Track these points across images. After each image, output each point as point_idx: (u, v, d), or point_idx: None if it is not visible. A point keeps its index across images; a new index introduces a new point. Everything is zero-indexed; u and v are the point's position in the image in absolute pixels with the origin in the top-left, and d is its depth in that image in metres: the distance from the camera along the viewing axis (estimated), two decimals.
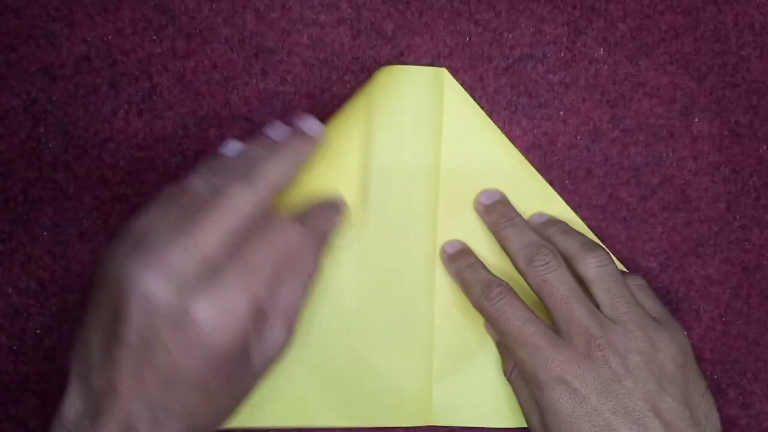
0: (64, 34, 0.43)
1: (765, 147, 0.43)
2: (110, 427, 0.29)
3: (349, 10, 0.43)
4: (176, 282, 0.29)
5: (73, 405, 0.31)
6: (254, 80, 0.43)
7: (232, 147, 0.35)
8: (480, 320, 0.43)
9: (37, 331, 0.43)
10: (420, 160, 0.42)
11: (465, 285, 0.40)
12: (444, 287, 0.43)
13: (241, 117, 0.43)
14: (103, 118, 0.43)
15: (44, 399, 0.43)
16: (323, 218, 0.36)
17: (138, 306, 0.29)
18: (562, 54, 0.43)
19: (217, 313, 0.29)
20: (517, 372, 0.39)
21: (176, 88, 0.43)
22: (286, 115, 0.43)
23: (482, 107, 0.43)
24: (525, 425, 0.43)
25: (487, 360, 0.43)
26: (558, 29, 0.43)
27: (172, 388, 0.30)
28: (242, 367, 0.32)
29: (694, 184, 0.43)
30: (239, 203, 0.31)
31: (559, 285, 0.37)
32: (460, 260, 0.41)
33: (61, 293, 0.43)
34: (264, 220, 0.32)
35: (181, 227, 0.30)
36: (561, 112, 0.43)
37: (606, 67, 0.43)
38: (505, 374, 0.41)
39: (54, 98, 0.43)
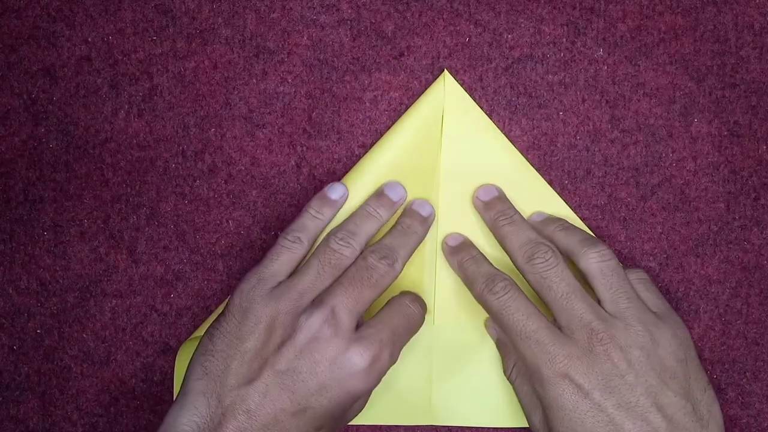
0: (65, 34, 0.43)
1: (764, 147, 0.44)
2: None
3: (349, 11, 0.43)
4: (340, 328, 0.36)
5: (193, 419, 0.34)
6: (254, 80, 0.43)
7: (338, 190, 0.40)
8: (479, 321, 0.43)
9: (38, 331, 0.43)
10: (420, 160, 0.42)
11: (467, 278, 0.40)
12: (444, 288, 0.43)
13: (241, 117, 0.43)
14: (104, 119, 0.43)
15: (44, 399, 0.43)
16: (425, 306, 0.41)
17: (302, 341, 0.35)
18: (562, 54, 0.43)
19: (368, 360, 0.36)
20: (518, 369, 0.39)
21: (177, 88, 0.43)
22: (287, 115, 0.43)
23: (482, 107, 0.43)
24: (525, 425, 0.42)
25: (486, 360, 0.43)
26: (557, 30, 0.43)
27: (296, 417, 0.35)
28: (354, 411, 0.38)
29: (694, 185, 0.43)
30: (385, 281, 0.38)
31: (559, 281, 0.37)
32: (462, 253, 0.41)
33: (61, 293, 0.43)
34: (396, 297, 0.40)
35: (343, 289, 0.37)
36: (560, 113, 0.43)
37: (605, 67, 0.43)
38: (505, 373, 0.41)
39: (55, 98, 0.43)
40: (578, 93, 0.43)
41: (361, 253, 0.38)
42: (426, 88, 0.43)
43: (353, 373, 0.35)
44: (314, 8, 0.43)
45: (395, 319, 0.38)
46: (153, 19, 0.43)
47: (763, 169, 0.43)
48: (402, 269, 0.39)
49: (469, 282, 0.40)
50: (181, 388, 0.36)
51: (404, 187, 0.41)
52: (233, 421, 0.34)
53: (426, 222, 0.41)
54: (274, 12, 0.43)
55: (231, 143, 0.43)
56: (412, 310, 0.39)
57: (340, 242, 0.38)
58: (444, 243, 0.42)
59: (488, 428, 0.43)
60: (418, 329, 0.39)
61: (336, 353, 0.35)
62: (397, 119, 0.43)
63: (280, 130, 0.43)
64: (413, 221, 0.40)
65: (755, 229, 0.43)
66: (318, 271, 0.37)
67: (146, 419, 0.43)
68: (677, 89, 0.43)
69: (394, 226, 0.40)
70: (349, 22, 0.43)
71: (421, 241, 0.41)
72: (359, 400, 0.38)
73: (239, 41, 0.43)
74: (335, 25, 0.43)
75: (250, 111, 0.43)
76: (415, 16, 0.43)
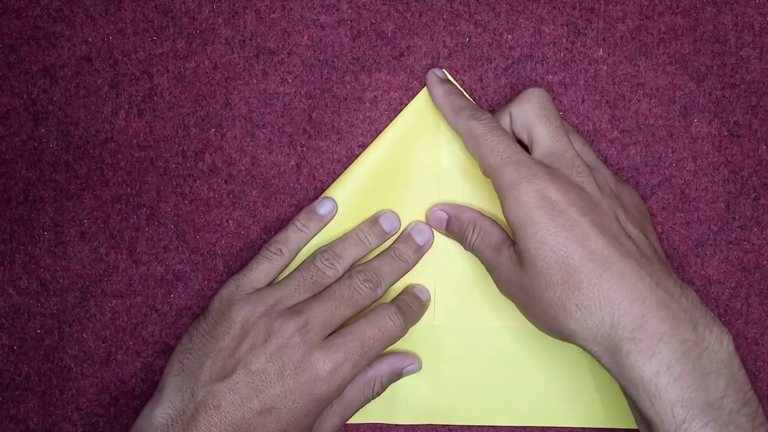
0: (65, 34, 0.43)
1: (764, 147, 0.44)
2: None
3: (349, 11, 0.43)
4: (309, 337, 0.37)
5: (167, 412, 0.36)
6: (254, 80, 0.43)
7: (326, 205, 0.42)
8: (479, 320, 0.43)
9: (38, 331, 0.43)
10: (419, 160, 0.42)
11: (453, 106, 0.40)
12: (444, 288, 0.43)
13: (241, 117, 0.43)
14: (104, 119, 0.43)
15: (44, 399, 0.43)
16: (416, 315, 0.42)
17: (273, 346, 0.37)
18: (562, 54, 0.43)
19: (329, 367, 0.37)
20: (479, 227, 0.40)
21: (177, 88, 0.43)
22: (287, 115, 0.43)
23: (482, 107, 0.43)
24: (524, 423, 0.42)
25: (486, 359, 0.43)
26: (557, 30, 0.43)
27: (263, 416, 0.36)
28: (316, 419, 0.38)
29: (694, 185, 0.43)
30: (364, 302, 0.39)
31: (557, 115, 0.38)
32: (447, 85, 0.41)
33: (61, 293, 0.43)
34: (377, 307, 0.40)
35: (322, 303, 0.38)
36: (560, 113, 0.43)
37: (605, 67, 0.43)
38: (465, 242, 0.41)
39: (55, 98, 0.43)
40: (578, 93, 0.43)
41: (347, 272, 0.40)
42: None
43: (314, 377, 0.37)
44: (314, 8, 0.43)
45: (368, 331, 0.39)
46: (153, 19, 0.43)
47: (763, 169, 0.43)
48: (383, 294, 0.40)
49: (454, 109, 0.40)
50: (159, 383, 0.38)
51: (399, 219, 0.42)
52: (204, 415, 0.36)
53: (420, 251, 0.42)
54: (274, 12, 0.43)
55: (231, 143, 0.43)
56: (391, 324, 0.39)
57: (325, 262, 0.40)
58: (432, 73, 0.42)
59: (488, 427, 0.43)
60: (396, 341, 0.40)
61: (301, 358, 0.37)
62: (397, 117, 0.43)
63: (280, 130, 0.43)
64: (407, 249, 0.42)
65: (755, 229, 0.43)
66: (298, 283, 0.39)
67: None
68: (677, 89, 0.43)
69: (387, 250, 0.41)
70: (349, 22, 0.43)
71: (410, 269, 0.42)
72: (327, 416, 0.40)
73: (239, 41, 0.43)
74: (335, 25, 0.43)
75: (250, 111, 0.43)
76: (415, 16, 0.43)
